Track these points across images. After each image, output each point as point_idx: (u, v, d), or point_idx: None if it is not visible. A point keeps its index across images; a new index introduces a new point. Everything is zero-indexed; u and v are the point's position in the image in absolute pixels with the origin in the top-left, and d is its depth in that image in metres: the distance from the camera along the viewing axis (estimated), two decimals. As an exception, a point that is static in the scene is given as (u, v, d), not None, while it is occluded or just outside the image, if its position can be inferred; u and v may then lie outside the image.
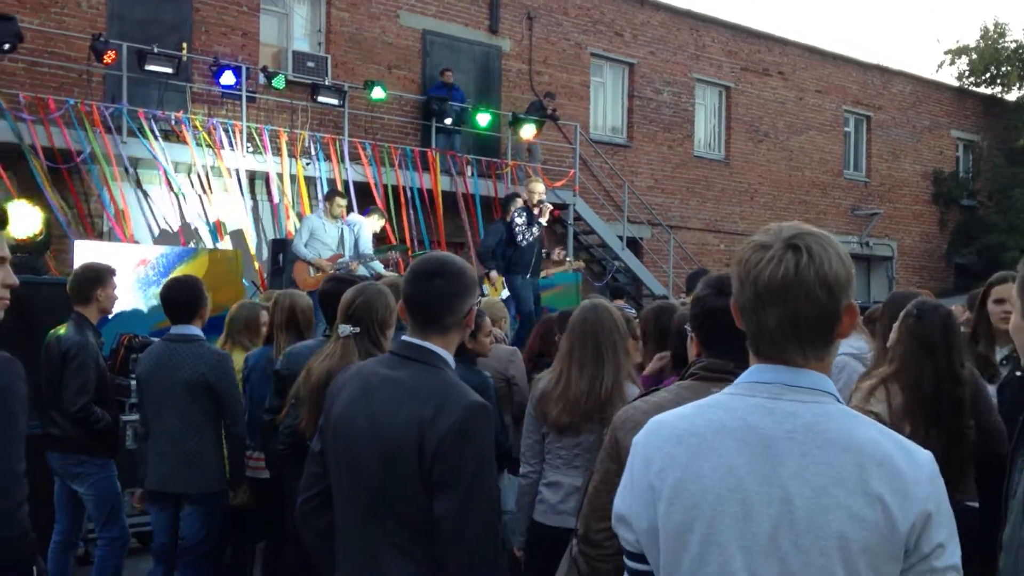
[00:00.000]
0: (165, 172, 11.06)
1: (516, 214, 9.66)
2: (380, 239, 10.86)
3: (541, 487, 3.89)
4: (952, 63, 26.08)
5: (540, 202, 9.73)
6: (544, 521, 3.84)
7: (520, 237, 9.51)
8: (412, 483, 2.30)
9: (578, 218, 15.06)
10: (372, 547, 2.39)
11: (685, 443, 1.65)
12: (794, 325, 1.61)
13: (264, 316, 5.24)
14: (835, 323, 1.63)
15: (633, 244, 16.24)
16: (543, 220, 9.69)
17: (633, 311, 5.79)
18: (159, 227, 11.32)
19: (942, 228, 22.98)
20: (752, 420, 1.62)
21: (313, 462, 2.62)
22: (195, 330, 4.78)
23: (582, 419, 3.71)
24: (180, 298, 4.78)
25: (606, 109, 17.48)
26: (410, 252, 12.46)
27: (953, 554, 1.57)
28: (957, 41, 28.32)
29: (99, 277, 5.04)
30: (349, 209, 10.73)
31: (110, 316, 5.39)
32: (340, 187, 11.84)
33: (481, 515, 2.30)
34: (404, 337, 2.52)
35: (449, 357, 2.48)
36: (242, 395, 4.89)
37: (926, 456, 1.60)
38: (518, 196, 10.43)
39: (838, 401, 1.65)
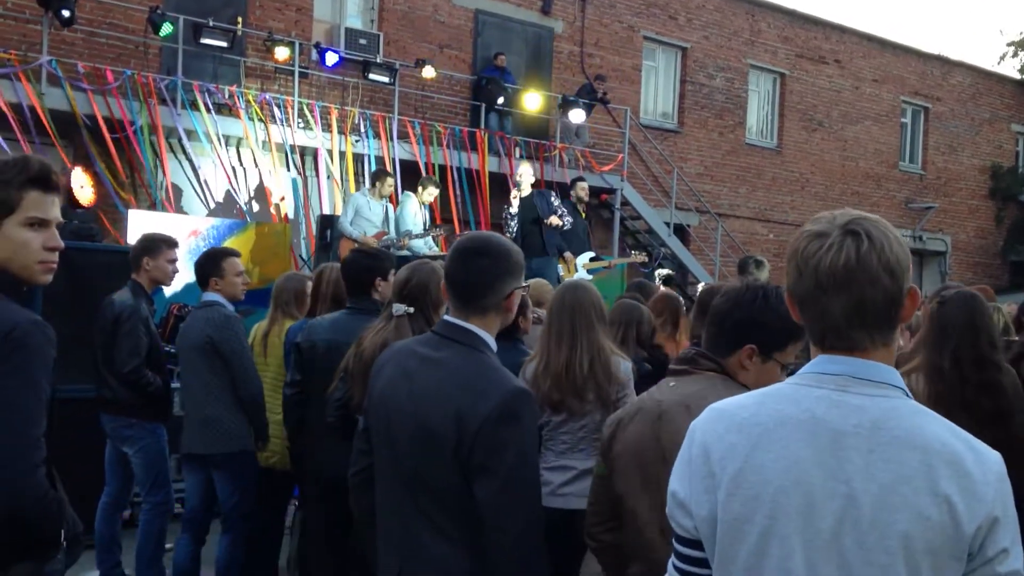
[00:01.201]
0: (217, 145, 11.18)
1: (552, 197, 10.00)
2: (431, 209, 10.88)
3: (543, 470, 3.85)
4: (1015, 55, 25.53)
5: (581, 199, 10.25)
6: (544, 504, 3.81)
7: (562, 221, 9.76)
8: (448, 467, 2.27)
9: (625, 203, 14.97)
10: (410, 526, 2.38)
11: (747, 432, 1.62)
12: (860, 312, 1.58)
13: (310, 287, 5.28)
14: (899, 307, 1.61)
15: (680, 231, 16.11)
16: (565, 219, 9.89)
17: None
18: (212, 199, 11.45)
19: (998, 224, 22.50)
20: (819, 412, 1.58)
21: (360, 439, 2.67)
22: (215, 296, 4.93)
23: (571, 395, 3.75)
24: (199, 263, 5.02)
25: (657, 94, 17.32)
26: (456, 232, 12.50)
27: (1017, 559, 1.53)
28: (1021, 33, 27.67)
29: (148, 247, 5.19)
30: (397, 187, 10.81)
31: (166, 286, 5.49)
32: (388, 165, 11.89)
33: (523, 501, 2.27)
34: (445, 317, 2.49)
35: (490, 339, 2.43)
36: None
37: (995, 457, 1.56)
38: (582, 180, 10.70)
39: (906, 395, 1.61)
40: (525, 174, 10.26)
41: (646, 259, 12.41)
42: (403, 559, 2.40)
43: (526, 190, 10.09)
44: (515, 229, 9.80)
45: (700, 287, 12.97)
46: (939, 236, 21.04)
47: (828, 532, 1.53)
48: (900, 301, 1.61)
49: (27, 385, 2.03)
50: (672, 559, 1.78)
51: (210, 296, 4.92)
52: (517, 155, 13.83)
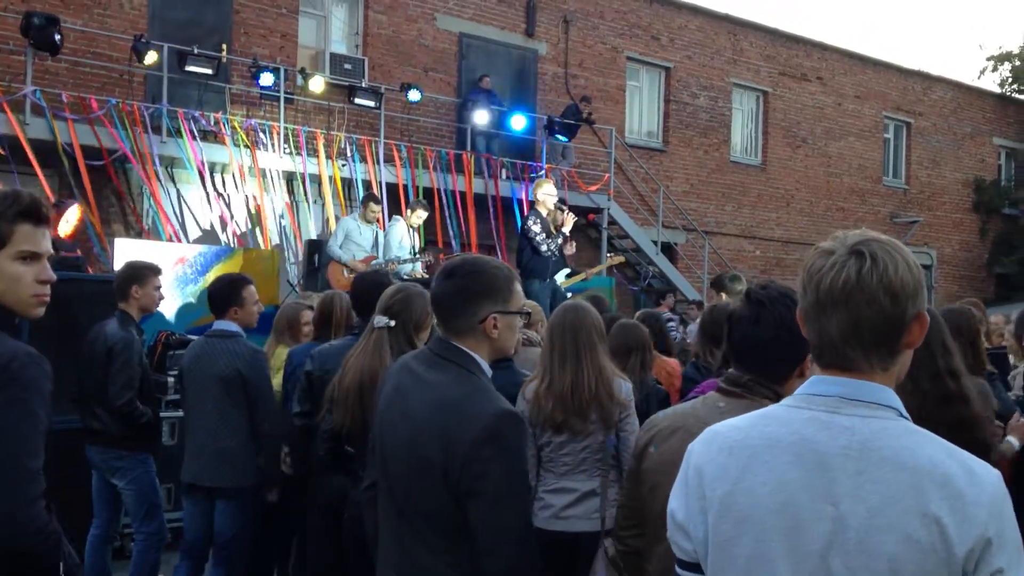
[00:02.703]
0: (203, 172, 11.15)
1: (532, 222, 9.24)
2: (420, 232, 10.78)
3: (544, 493, 3.85)
4: (994, 69, 25.79)
5: (559, 209, 9.40)
6: (546, 527, 3.77)
7: (545, 248, 9.12)
8: (439, 489, 2.26)
9: (612, 222, 15.01)
10: (405, 545, 2.38)
11: (736, 455, 1.62)
12: (856, 332, 1.58)
13: (307, 315, 5.26)
14: (900, 331, 1.59)
15: (667, 249, 16.15)
16: (566, 229, 9.34)
17: (675, 318, 5.75)
18: (197, 226, 11.42)
19: (983, 237, 22.65)
20: (807, 434, 1.57)
21: (371, 454, 2.63)
22: (233, 326, 4.82)
23: (574, 415, 3.72)
24: (214, 293, 4.88)
25: (642, 113, 17.41)
26: (442, 256, 12.49)
27: None
28: (1000, 47, 27.99)
29: (136, 275, 5.13)
30: (385, 211, 10.77)
31: (151, 314, 5.45)
32: (376, 188, 11.89)
33: (513, 524, 2.25)
34: (439, 335, 2.49)
35: (482, 360, 2.42)
36: (277, 392, 4.91)
37: (992, 477, 1.53)
38: (562, 207, 9.84)
39: (901, 416, 1.59)
40: (551, 193, 9.51)
41: (622, 259, 12.20)
42: None
43: (549, 207, 9.47)
44: (550, 244, 9.12)
45: (693, 308, 12.94)
46: (924, 250, 21.15)
47: (816, 555, 1.52)
48: (901, 325, 1.58)
49: (26, 417, 2.02)
50: None
51: (227, 325, 4.80)
52: (504, 176, 13.86)
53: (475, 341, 2.42)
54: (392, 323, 3.57)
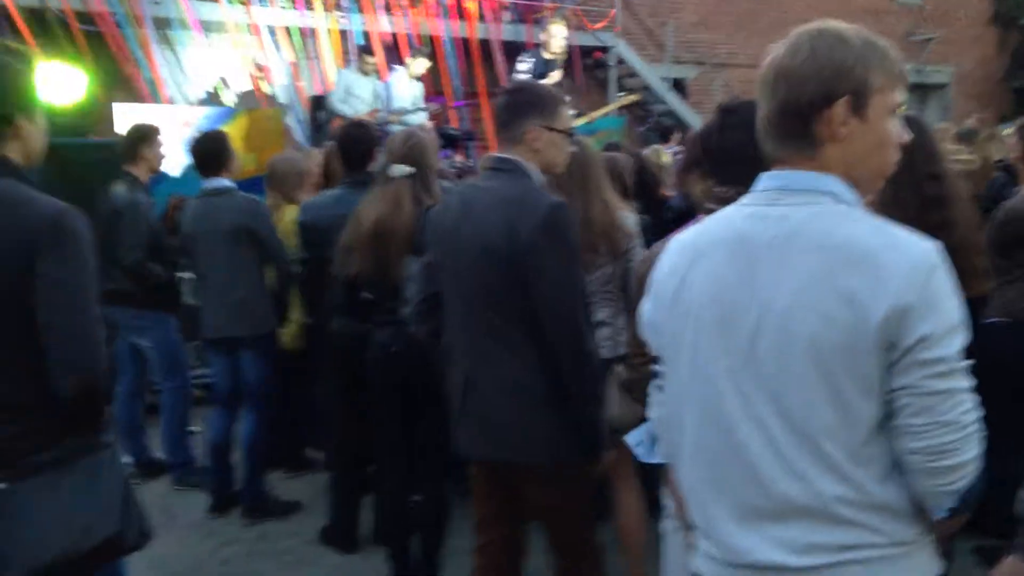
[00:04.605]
0: (199, 33, 10.93)
1: (520, 61, 8.96)
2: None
3: None
4: None
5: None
6: None
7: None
8: (507, 277, 2.65)
9: (620, 61, 14.66)
10: (477, 339, 2.76)
11: (685, 254, 1.72)
12: (766, 122, 1.66)
13: (308, 165, 5.27)
14: (805, 119, 1.60)
15: (678, 86, 15.81)
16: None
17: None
18: (198, 89, 11.28)
19: (1001, 51, 21.98)
20: (743, 229, 1.64)
21: (421, 274, 3.06)
22: (226, 182, 4.87)
23: (586, 249, 3.77)
24: (206, 150, 4.87)
25: (647, -58, 16.71)
26: (448, 104, 12.32)
27: (945, 346, 1.47)
28: None
29: (144, 136, 5.18)
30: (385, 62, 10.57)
31: (157, 174, 5.49)
32: (375, 40, 11.63)
33: (573, 300, 2.66)
34: (491, 153, 2.91)
35: (531, 168, 2.80)
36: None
37: (921, 248, 1.51)
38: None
39: (836, 201, 1.60)
40: (558, 34, 9.16)
41: (637, 97, 11.97)
42: (472, 367, 2.78)
43: (555, 50, 9.19)
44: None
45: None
46: (941, 68, 20.60)
47: (745, 343, 1.59)
48: (802, 113, 1.59)
49: (83, 268, 2.15)
50: (654, 380, 1.88)
51: (222, 182, 4.85)
52: (507, 19, 13.48)
53: (520, 152, 2.80)
54: (412, 170, 3.65)
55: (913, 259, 1.49)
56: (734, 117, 2.35)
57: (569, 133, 2.91)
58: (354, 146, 4.38)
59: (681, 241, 1.77)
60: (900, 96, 1.64)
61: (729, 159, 2.36)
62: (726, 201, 2.33)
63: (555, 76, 9.20)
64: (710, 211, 2.40)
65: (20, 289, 2.07)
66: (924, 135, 3.01)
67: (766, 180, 1.68)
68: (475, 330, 2.77)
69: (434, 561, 3.94)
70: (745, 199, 1.71)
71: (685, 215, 3.52)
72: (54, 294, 2.08)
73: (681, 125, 14.72)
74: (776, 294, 1.55)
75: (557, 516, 2.90)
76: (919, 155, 2.95)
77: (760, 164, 2.27)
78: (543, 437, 2.70)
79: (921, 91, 20.16)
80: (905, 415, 1.50)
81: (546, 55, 9.14)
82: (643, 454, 2.39)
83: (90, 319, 2.14)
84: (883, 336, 1.48)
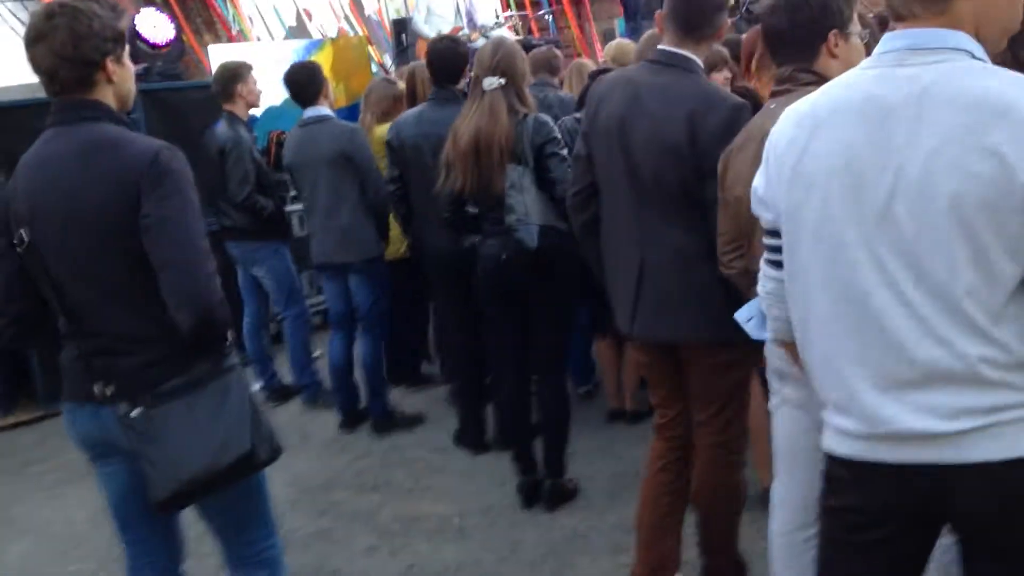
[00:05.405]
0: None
1: None
2: None
3: None
4: None
5: None
6: None
7: None
8: (683, 167, 2.68)
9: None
10: (647, 224, 2.82)
11: (803, 125, 1.66)
12: None
13: (399, 88, 5.31)
14: None
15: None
16: None
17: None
18: (282, 25, 11.39)
19: None
20: (873, 91, 1.57)
21: (578, 165, 3.06)
22: (324, 110, 4.95)
23: None
24: (301, 80, 4.94)
25: None
26: (530, 15, 12.11)
27: None
28: None
29: (237, 73, 5.28)
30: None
31: (257, 110, 5.61)
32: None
33: None
34: (662, 46, 2.83)
35: (701, 64, 2.80)
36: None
37: None
38: None
39: (971, 56, 1.54)
40: None
41: None
42: (644, 250, 2.84)
43: None
44: None
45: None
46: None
47: (880, 206, 1.53)
48: None
49: (187, 204, 2.19)
50: (764, 254, 1.87)
51: (321, 111, 4.92)
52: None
53: (701, 46, 2.81)
54: (503, 81, 3.66)
55: None
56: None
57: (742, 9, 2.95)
58: (444, 62, 4.38)
59: (798, 111, 1.70)
60: None
61: (782, 39, 2.41)
62: (786, 80, 2.38)
63: None
64: (776, 94, 2.41)
65: (129, 228, 2.13)
66: None
67: (891, 41, 1.60)
68: (648, 218, 2.81)
69: (560, 459, 4.05)
70: (866, 62, 1.64)
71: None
72: (160, 232, 2.13)
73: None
74: (913, 154, 1.50)
75: (718, 391, 2.92)
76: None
77: (806, 39, 2.32)
78: (717, 319, 2.68)
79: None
80: None
81: None
82: (753, 330, 2.38)
83: (198, 252, 2.18)
84: None
